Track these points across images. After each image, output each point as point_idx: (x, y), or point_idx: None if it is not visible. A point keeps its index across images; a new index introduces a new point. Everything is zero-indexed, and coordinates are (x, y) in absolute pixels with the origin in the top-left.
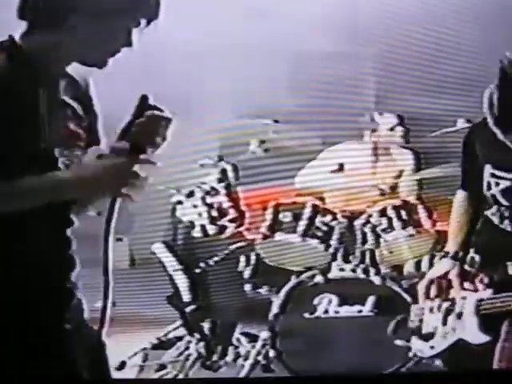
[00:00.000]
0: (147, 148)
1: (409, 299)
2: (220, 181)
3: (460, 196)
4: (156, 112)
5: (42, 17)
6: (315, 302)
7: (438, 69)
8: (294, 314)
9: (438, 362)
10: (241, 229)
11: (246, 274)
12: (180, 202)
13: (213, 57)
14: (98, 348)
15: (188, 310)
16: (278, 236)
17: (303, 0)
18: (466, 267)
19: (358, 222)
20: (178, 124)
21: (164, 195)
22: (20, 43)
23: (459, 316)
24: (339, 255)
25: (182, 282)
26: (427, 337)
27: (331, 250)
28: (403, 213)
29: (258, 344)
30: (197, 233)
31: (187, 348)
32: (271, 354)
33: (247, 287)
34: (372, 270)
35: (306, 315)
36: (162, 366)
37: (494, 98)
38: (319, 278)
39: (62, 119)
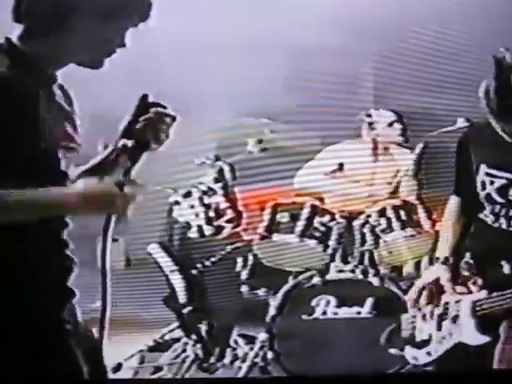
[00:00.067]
0: (151, 144)
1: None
2: (217, 181)
3: (453, 202)
4: (160, 109)
5: (39, 19)
6: (313, 303)
7: (438, 67)
8: (292, 316)
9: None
10: (238, 229)
11: (243, 275)
12: (177, 203)
13: (210, 55)
14: (95, 349)
15: (185, 311)
16: (276, 237)
17: None
18: (460, 271)
19: (356, 223)
20: (175, 123)
21: (161, 195)
22: (18, 45)
23: (454, 320)
24: (338, 256)
25: (178, 283)
26: (422, 344)
27: (329, 251)
28: (402, 213)
29: (256, 346)
30: (193, 233)
31: (184, 350)
32: (269, 355)
33: (244, 288)
34: (371, 271)
35: (304, 317)
36: (158, 369)
37: (491, 88)
38: (317, 279)
39: (61, 121)
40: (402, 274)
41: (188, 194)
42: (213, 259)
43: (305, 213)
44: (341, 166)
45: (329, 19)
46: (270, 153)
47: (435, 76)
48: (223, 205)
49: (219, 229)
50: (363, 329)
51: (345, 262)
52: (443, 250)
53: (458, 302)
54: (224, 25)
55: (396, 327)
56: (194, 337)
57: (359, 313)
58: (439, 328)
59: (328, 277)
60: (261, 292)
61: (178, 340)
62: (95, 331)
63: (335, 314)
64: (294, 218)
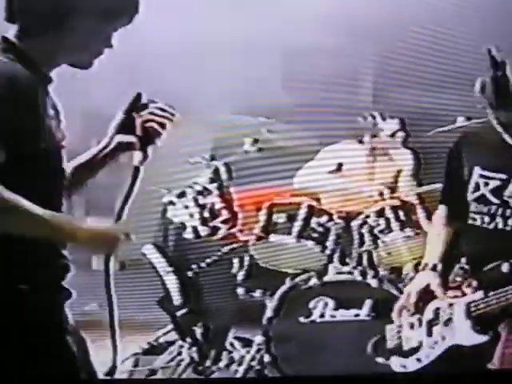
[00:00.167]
0: (156, 140)
1: None
2: (212, 181)
3: (441, 211)
4: (160, 105)
5: (32, 19)
6: (311, 305)
7: (437, 67)
8: (289, 318)
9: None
10: (234, 230)
11: (239, 276)
12: (171, 203)
13: (206, 55)
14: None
15: (179, 313)
16: (273, 237)
17: None
18: (453, 277)
19: (354, 223)
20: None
21: (155, 196)
22: (16, 43)
23: (447, 323)
24: (336, 257)
25: (173, 284)
26: (411, 352)
27: (327, 252)
28: (401, 213)
29: (253, 349)
30: (188, 234)
31: (179, 353)
32: (266, 359)
33: (240, 290)
34: (370, 273)
35: (301, 319)
36: (153, 372)
37: (487, 83)
38: (315, 281)
39: (58, 121)
40: (402, 276)
41: (183, 195)
42: (208, 260)
43: (302, 213)
44: (339, 166)
45: (325, 20)
46: (267, 153)
47: (434, 75)
48: (218, 205)
49: (215, 229)
50: (362, 331)
51: (343, 263)
52: (432, 256)
53: (451, 305)
54: (220, 25)
55: (381, 338)
56: (189, 339)
57: (358, 315)
58: (430, 334)
59: (326, 278)
60: (257, 294)
61: (173, 343)
62: (86, 335)
63: (333, 316)
64: (291, 218)
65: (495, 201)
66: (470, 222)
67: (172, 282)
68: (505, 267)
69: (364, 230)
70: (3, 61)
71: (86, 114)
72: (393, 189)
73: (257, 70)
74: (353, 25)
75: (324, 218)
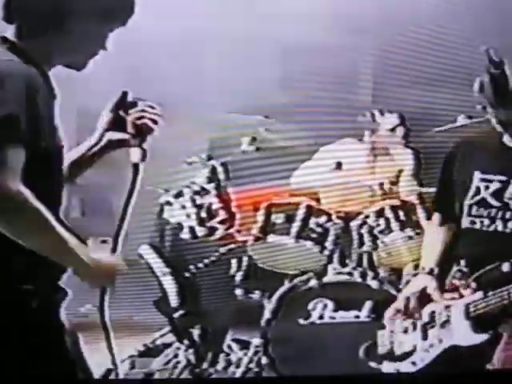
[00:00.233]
0: (149, 136)
1: None
2: (210, 180)
3: (436, 218)
4: (149, 103)
5: (32, 21)
6: (310, 306)
7: (437, 66)
8: (288, 320)
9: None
10: (231, 230)
11: (237, 277)
12: (168, 203)
13: (203, 53)
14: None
15: (176, 315)
16: (271, 238)
17: None
18: (450, 280)
19: (354, 224)
20: (166, 121)
21: (151, 195)
22: (16, 42)
23: (444, 325)
24: (335, 258)
25: (169, 286)
26: (404, 356)
27: (326, 253)
28: (401, 213)
29: (250, 351)
30: (185, 235)
31: (176, 355)
32: (264, 361)
33: (238, 291)
34: (369, 274)
35: (300, 321)
36: (149, 375)
37: (485, 82)
38: (314, 282)
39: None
40: (402, 277)
41: (179, 194)
42: (206, 261)
43: (300, 213)
44: (339, 165)
45: (324, 17)
46: (265, 152)
47: (435, 74)
48: (216, 205)
49: (212, 230)
50: (361, 333)
51: (342, 264)
52: (428, 260)
53: (447, 307)
54: (218, 22)
55: (372, 343)
56: (186, 342)
57: (357, 317)
58: (425, 337)
59: (325, 279)
60: (255, 295)
61: (169, 345)
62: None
63: (332, 318)
64: (290, 218)
65: (495, 204)
66: (469, 225)
67: (169, 283)
68: (505, 267)
69: (363, 231)
70: (10, 60)
71: (82, 113)
72: (393, 188)
73: (254, 69)
74: (352, 23)
75: (323, 219)
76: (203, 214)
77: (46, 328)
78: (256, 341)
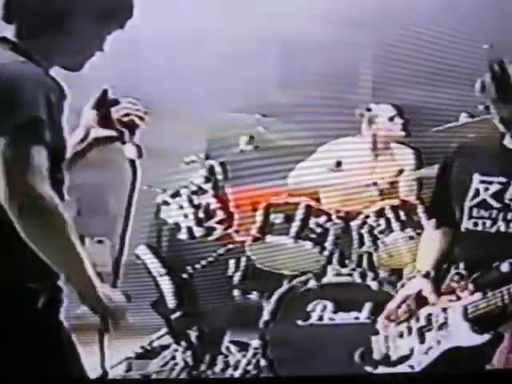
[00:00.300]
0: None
1: None
2: (207, 180)
3: (431, 221)
4: (132, 99)
5: (32, 21)
6: (309, 308)
7: (439, 59)
8: (287, 321)
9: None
10: (229, 231)
11: (236, 278)
12: (165, 203)
13: (201, 50)
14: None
15: (174, 316)
16: (270, 238)
17: None
18: (448, 282)
19: (354, 224)
20: (163, 120)
21: (149, 195)
22: (16, 42)
23: (441, 327)
24: (334, 258)
25: (167, 286)
26: (401, 360)
27: (326, 253)
28: (402, 213)
29: (249, 353)
30: (183, 235)
31: (173, 357)
32: (262, 363)
33: (236, 292)
34: (369, 274)
35: (299, 322)
36: (146, 377)
37: (486, 81)
38: (313, 283)
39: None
40: (402, 278)
41: (177, 194)
42: (203, 262)
43: (299, 213)
44: (339, 164)
45: (324, 13)
46: (264, 151)
47: (435, 70)
48: (214, 205)
49: (210, 230)
50: (361, 335)
51: (342, 264)
52: (424, 263)
53: (444, 309)
54: (214, 22)
55: (367, 348)
56: (183, 343)
57: (357, 318)
58: (422, 340)
59: (324, 280)
60: (254, 296)
61: (167, 347)
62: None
63: (332, 319)
64: (289, 218)
65: (496, 205)
66: (472, 227)
67: (166, 284)
68: (504, 267)
69: (364, 231)
70: (16, 60)
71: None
72: (393, 188)
73: (253, 67)
74: (351, 19)
75: (322, 218)
76: (201, 214)
77: (47, 328)
78: (254, 342)
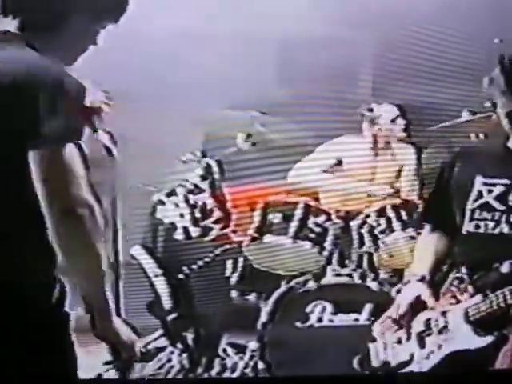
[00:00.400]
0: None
1: None
2: (204, 178)
3: (427, 227)
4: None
5: (29, 16)
6: (308, 309)
7: (441, 56)
8: (285, 323)
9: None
10: (227, 230)
11: (233, 279)
12: (160, 202)
13: (197, 45)
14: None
15: (169, 318)
16: (268, 238)
17: None
18: (447, 286)
19: (354, 223)
20: (159, 117)
21: (144, 194)
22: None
23: (442, 331)
24: (334, 259)
25: (162, 288)
26: (401, 366)
27: (325, 254)
28: (403, 213)
29: (246, 355)
30: (179, 235)
31: (169, 360)
32: (260, 366)
33: (234, 294)
34: (370, 275)
35: (298, 324)
36: (141, 380)
37: (494, 76)
38: (312, 284)
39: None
40: (403, 279)
41: (172, 193)
42: (200, 262)
43: (298, 213)
44: (339, 163)
45: (324, 10)
46: (262, 149)
47: (435, 70)
48: (210, 204)
49: (206, 230)
50: (361, 337)
51: (342, 265)
52: (420, 268)
53: (444, 313)
54: (211, 18)
55: (365, 355)
56: (179, 346)
57: (357, 320)
58: (422, 345)
59: (324, 281)
60: (251, 297)
61: (162, 349)
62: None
63: (331, 321)
64: (287, 218)
65: (499, 207)
66: (473, 229)
67: (162, 285)
68: (504, 268)
69: (364, 231)
70: (28, 51)
71: None
72: (394, 187)
73: (251, 65)
74: (351, 19)
75: (322, 218)
76: (197, 214)
77: (48, 325)
78: (252, 345)
